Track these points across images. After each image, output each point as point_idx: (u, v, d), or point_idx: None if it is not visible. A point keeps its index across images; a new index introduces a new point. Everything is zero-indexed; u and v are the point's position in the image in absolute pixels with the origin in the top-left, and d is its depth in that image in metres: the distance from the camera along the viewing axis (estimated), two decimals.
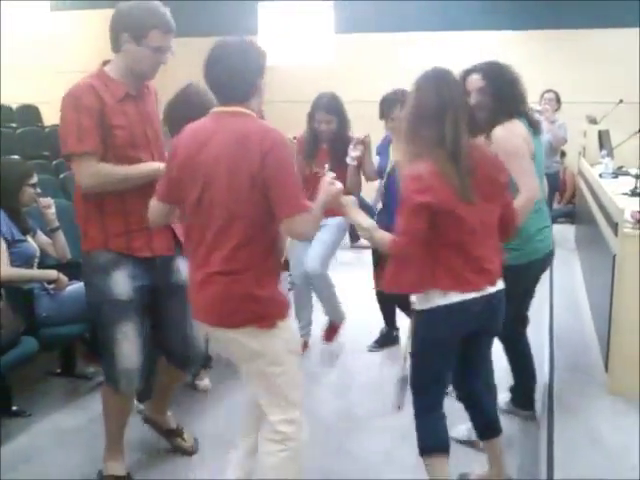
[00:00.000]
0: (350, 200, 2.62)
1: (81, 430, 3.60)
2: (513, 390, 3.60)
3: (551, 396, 3.66)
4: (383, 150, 4.37)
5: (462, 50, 8.25)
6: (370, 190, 4.56)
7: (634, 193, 4.65)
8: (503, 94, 3.12)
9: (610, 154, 6.12)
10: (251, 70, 2.42)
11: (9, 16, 10.43)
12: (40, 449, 3.41)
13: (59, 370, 4.29)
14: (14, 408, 3.75)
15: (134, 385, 2.95)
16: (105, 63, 2.88)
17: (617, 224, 3.69)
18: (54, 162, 6.73)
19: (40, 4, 10.67)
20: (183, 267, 2.87)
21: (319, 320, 4.76)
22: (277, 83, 9.32)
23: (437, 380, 2.69)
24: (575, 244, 7.30)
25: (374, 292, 4.62)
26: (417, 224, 2.45)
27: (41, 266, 3.99)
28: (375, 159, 4.42)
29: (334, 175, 2.54)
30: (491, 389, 3.16)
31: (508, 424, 3.34)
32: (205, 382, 4.07)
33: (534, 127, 3.22)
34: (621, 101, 7.32)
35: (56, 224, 4.08)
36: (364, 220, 2.61)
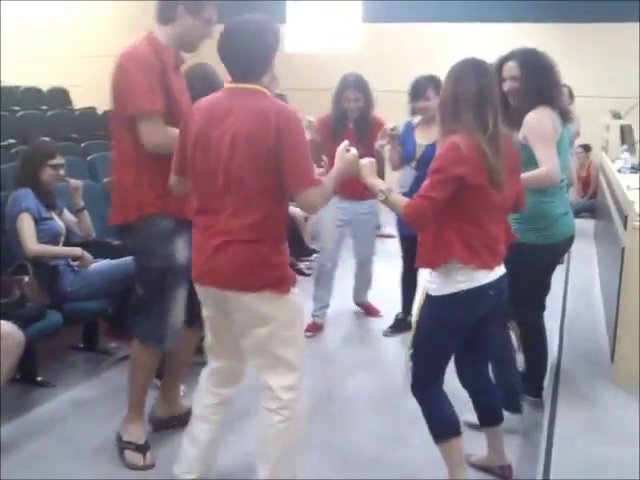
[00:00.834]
0: (367, 162, 2.65)
1: (101, 402, 3.74)
2: (524, 376, 3.59)
3: (556, 383, 3.72)
4: (407, 137, 4.43)
5: (484, 41, 8.25)
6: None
7: None
8: (538, 82, 3.20)
9: (631, 149, 6.12)
10: (265, 49, 2.52)
11: (40, 1, 10.63)
12: (62, 418, 3.56)
13: (82, 345, 4.44)
14: (39, 379, 3.92)
15: (176, 344, 3.14)
16: (150, 33, 3.02)
17: (627, 217, 3.74)
18: (82, 144, 6.88)
19: None
20: None
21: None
22: (305, 71, 9.45)
23: (442, 357, 2.75)
24: (594, 238, 7.32)
25: (401, 277, 4.82)
26: (441, 193, 2.49)
27: (67, 243, 4.15)
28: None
29: (347, 142, 2.65)
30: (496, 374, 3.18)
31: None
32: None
33: (564, 116, 3.30)
34: None
35: (82, 204, 4.23)
36: (381, 183, 2.64)
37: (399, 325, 4.84)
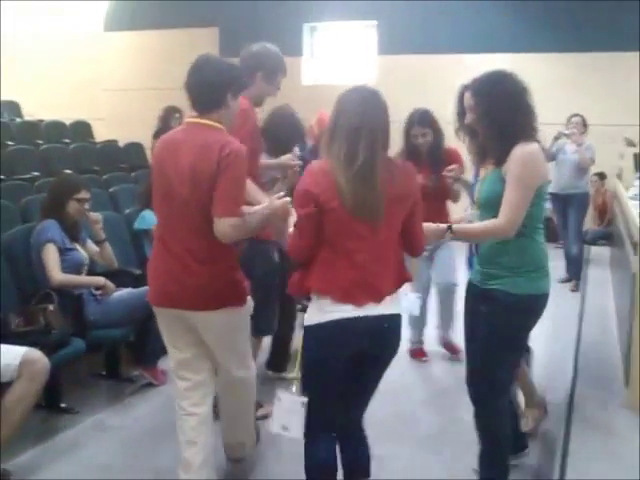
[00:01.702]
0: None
1: (124, 428, 3.81)
2: (480, 457, 2.99)
3: (570, 408, 3.75)
4: None
5: None
6: None
7: None
8: (495, 113, 2.74)
9: None
10: (219, 84, 2.73)
11: (64, 35, 10.95)
12: (85, 444, 3.63)
13: (104, 372, 4.52)
14: (62, 405, 4.00)
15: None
16: None
17: (636, 243, 3.80)
18: (104, 177, 7.04)
19: (94, 24, 11.12)
20: None
21: None
22: (322, 103, 9.53)
23: (324, 400, 2.56)
24: (609, 265, 7.36)
25: None
26: (305, 209, 2.42)
27: (90, 273, 4.27)
28: None
29: (283, 193, 2.87)
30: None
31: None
32: None
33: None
34: None
35: (103, 237, 4.37)
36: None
37: None
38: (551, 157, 6.27)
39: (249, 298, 3.01)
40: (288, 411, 2.56)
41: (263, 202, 2.91)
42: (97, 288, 4.15)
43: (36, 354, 3.25)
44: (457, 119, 3.27)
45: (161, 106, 7.87)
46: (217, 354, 3.00)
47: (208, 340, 2.94)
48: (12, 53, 10.69)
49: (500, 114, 2.73)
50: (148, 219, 4.89)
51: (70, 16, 11.02)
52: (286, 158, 3.85)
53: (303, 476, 2.62)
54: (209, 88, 2.73)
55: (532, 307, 2.81)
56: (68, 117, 9.92)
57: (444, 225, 2.75)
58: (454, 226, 2.77)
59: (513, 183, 2.66)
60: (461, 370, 3.11)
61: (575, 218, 6.82)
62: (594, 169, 7.62)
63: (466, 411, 3.01)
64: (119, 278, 4.35)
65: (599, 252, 8.04)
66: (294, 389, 2.64)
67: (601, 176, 8.76)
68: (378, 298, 2.45)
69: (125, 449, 3.57)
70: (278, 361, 4.43)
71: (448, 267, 4.73)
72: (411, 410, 4.03)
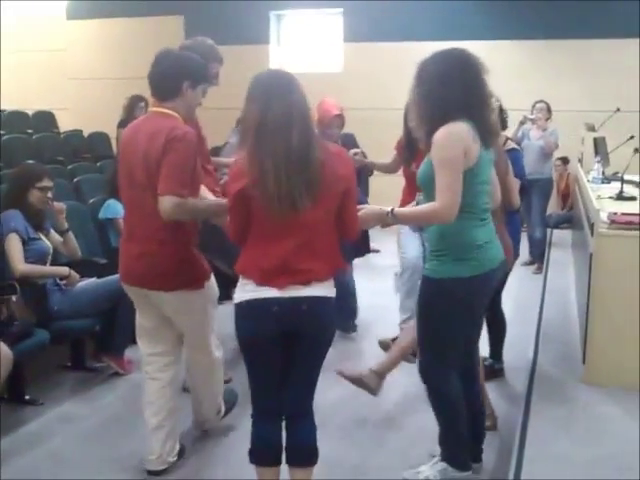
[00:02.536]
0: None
1: (89, 418, 3.80)
2: (440, 442, 3.01)
3: (531, 386, 3.84)
4: None
5: None
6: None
7: (619, 197, 4.84)
8: (431, 93, 2.67)
9: (603, 160, 6.28)
10: (174, 74, 2.91)
11: (25, 24, 10.78)
12: (50, 435, 3.62)
13: (70, 363, 4.49)
14: (27, 397, 3.97)
15: None
16: None
17: (593, 224, 3.88)
18: (69, 167, 6.99)
19: (56, 12, 10.97)
20: None
21: None
22: None
23: (258, 377, 2.64)
24: (571, 247, 7.50)
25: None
26: (231, 202, 2.53)
27: (54, 263, 4.24)
28: None
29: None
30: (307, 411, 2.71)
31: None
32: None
33: (486, 139, 2.73)
34: (618, 109, 7.47)
35: (65, 226, 4.34)
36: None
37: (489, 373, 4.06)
38: (517, 142, 6.38)
39: (211, 285, 3.14)
40: None
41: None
42: (61, 278, 4.13)
43: None
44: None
45: (126, 95, 7.82)
46: (179, 331, 3.22)
47: (169, 317, 3.15)
48: None
49: (429, 95, 2.69)
50: (113, 208, 4.88)
51: (31, 3, 10.86)
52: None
53: None
54: (165, 78, 2.93)
55: (449, 292, 2.78)
56: (31, 107, 9.80)
57: (386, 208, 2.74)
58: (395, 210, 2.75)
59: (437, 167, 2.64)
60: None
61: (539, 203, 6.95)
62: (557, 154, 7.76)
63: None
64: (84, 268, 4.33)
65: (562, 235, 8.19)
66: None
67: (564, 160, 8.90)
68: (302, 282, 2.48)
69: (91, 439, 3.57)
70: None
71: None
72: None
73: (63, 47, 10.88)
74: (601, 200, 4.64)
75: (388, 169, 4.65)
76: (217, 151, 5.11)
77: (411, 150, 4.35)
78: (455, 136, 2.63)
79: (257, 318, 2.53)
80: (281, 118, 2.40)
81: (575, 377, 3.88)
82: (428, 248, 2.94)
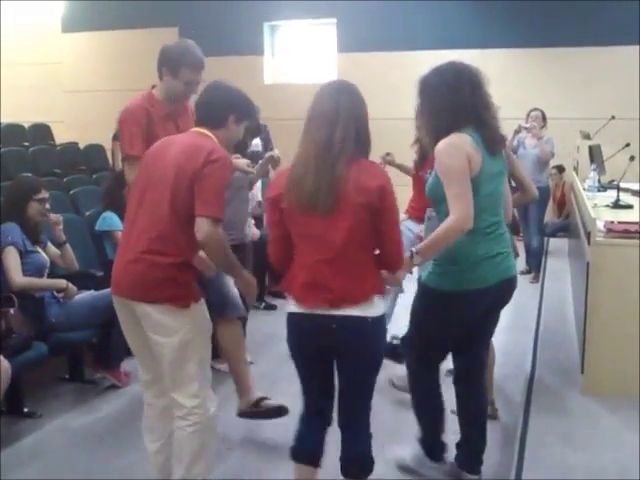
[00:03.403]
0: None
1: (88, 430, 3.78)
2: (421, 441, 3.12)
3: (529, 396, 3.84)
4: None
5: None
6: None
7: (616, 205, 4.86)
8: (440, 103, 2.72)
9: (599, 168, 6.31)
10: (222, 106, 2.90)
11: (21, 38, 10.79)
12: (49, 447, 3.60)
13: (68, 376, 4.48)
14: (25, 410, 3.95)
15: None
16: (153, 87, 3.62)
17: (589, 233, 3.90)
18: (65, 179, 6.98)
19: (52, 25, 10.99)
20: None
21: None
22: (283, 101, 9.61)
23: (304, 383, 2.72)
24: (568, 256, 7.51)
25: None
26: (269, 217, 2.68)
27: (51, 276, 4.24)
28: None
29: None
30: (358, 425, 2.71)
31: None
32: (224, 365, 4.10)
33: (490, 146, 2.74)
34: (613, 117, 7.51)
35: (63, 239, 4.33)
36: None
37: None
38: (512, 151, 6.40)
39: (200, 305, 2.86)
40: None
41: None
42: (59, 291, 4.12)
43: None
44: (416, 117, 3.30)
45: (121, 107, 7.80)
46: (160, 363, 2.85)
47: (151, 339, 2.81)
48: None
49: (434, 107, 2.75)
50: (109, 221, 4.87)
51: (26, 17, 10.88)
52: (242, 163, 4.05)
53: None
54: (213, 108, 2.91)
55: (442, 303, 2.83)
56: (27, 120, 9.80)
57: (406, 254, 2.66)
58: (415, 249, 2.71)
59: (443, 179, 2.67)
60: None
61: (536, 212, 6.95)
62: (553, 162, 7.78)
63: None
64: (81, 281, 4.33)
65: (558, 244, 8.23)
66: None
67: (560, 169, 8.93)
68: (331, 300, 2.47)
69: (89, 451, 3.55)
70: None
71: None
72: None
73: (59, 60, 10.90)
74: (597, 209, 4.66)
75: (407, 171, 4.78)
76: None
77: (422, 156, 4.41)
78: (455, 146, 2.67)
79: (294, 332, 2.63)
80: (328, 112, 2.50)
81: (574, 387, 3.88)
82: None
